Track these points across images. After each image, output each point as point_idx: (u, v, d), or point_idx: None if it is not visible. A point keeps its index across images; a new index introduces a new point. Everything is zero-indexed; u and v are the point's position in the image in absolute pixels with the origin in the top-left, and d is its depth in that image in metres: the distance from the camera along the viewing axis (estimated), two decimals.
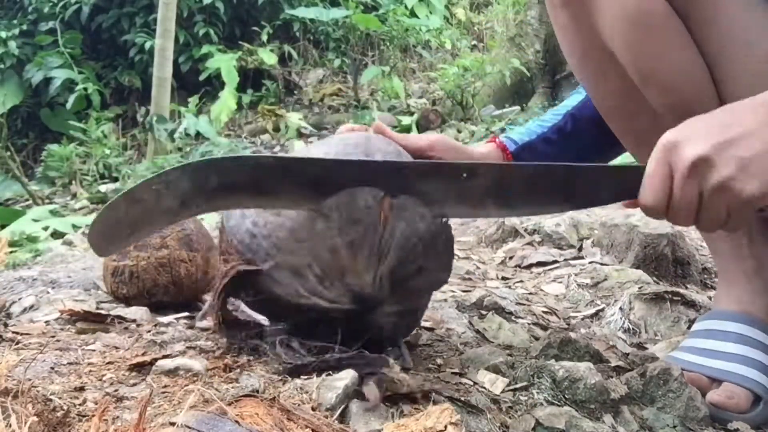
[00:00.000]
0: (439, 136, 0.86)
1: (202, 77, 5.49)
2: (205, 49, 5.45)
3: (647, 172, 0.65)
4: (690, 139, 0.62)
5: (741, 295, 0.85)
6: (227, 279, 0.70)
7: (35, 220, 3.10)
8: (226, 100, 5.21)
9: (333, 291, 0.69)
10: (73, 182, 4.50)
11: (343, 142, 0.75)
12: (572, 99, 0.99)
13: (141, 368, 0.67)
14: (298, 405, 0.58)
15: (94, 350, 0.74)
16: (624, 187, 0.67)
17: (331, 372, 0.64)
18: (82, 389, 0.61)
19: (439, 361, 0.77)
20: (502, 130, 4.25)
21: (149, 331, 0.83)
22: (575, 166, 0.69)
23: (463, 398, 0.65)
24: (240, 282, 0.70)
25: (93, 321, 0.86)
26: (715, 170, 0.60)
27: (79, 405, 0.57)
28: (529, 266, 1.38)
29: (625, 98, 0.81)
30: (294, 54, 5.90)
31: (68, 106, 5.36)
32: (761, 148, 0.60)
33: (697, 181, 0.62)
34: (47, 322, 0.87)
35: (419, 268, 0.71)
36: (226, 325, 0.72)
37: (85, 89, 5.36)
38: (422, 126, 4.88)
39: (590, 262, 1.35)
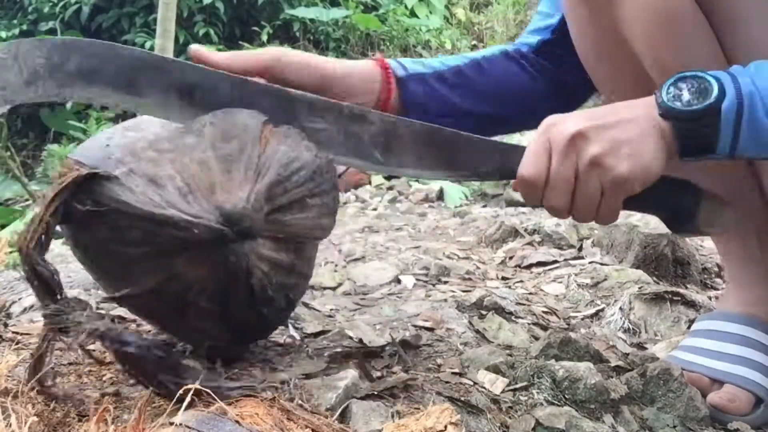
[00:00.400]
0: (280, 50, 0.74)
1: None
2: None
3: (528, 148, 0.67)
4: (570, 118, 0.66)
5: (749, 299, 0.85)
6: (63, 186, 0.56)
7: None
8: None
9: (196, 206, 0.58)
10: None
11: None
12: (488, 50, 0.94)
13: None
14: (298, 405, 0.58)
15: (93, 350, 0.74)
16: (508, 165, 0.68)
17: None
18: (82, 389, 0.61)
19: (439, 361, 0.77)
20: None
21: (149, 331, 0.82)
22: (464, 134, 0.69)
23: (463, 398, 0.65)
24: (78, 190, 0.57)
25: None
26: (590, 145, 0.64)
27: (79, 405, 0.57)
28: (529, 266, 1.38)
29: (639, 95, 0.81)
30: None
31: (68, 106, 5.35)
32: (634, 133, 0.64)
33: (574, 157, 0.65)
34: None
35: (301, 200, 0.63)
36: (35, 274, 0.55)
37: None
38: None
39: (590, 262, 1.35)
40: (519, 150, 0.68)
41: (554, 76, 0.90)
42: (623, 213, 0.77)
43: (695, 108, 0.63)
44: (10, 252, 1.92)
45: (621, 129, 0.65)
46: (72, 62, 0.59)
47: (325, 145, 0.66)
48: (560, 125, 0.66)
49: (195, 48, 0.70)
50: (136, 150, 0.59)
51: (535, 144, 0.67)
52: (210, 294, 0.61)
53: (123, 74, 0.61)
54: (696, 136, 0.64)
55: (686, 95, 0.64)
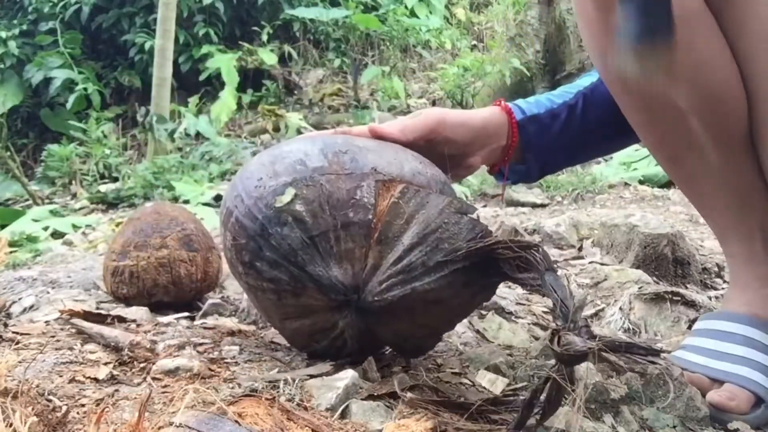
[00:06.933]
0: (437, 116, 0.82)
1: (202, 77, 5.49)
2: (205, 49, 5.46)
3: None
4: None
5: (751, 299, 0.85)
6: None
7: (35, 220, 3.10)
8: (226, 100, 5.21)
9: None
10: (73, 182, 4.50)
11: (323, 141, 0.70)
12: (584, 80, 0.98)
13: (141, 368, 0.67)
14: (298, 405, 0.58)
15: (94, 350, 0.74)
16: None
17: None
18: (82, 389, 0.61)
19: (439, 361, 0.77)
20: None
21: (149, 331, 0.82)
22: None
23: (463, 398, 0.65)
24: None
25: (93, 321, 0.86)
26: None
27: (79, 405, 0.57)
28: None
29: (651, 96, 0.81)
30: (294, 54, 5.90)
31: (68, 106, 5.36)
32: None
33: None
34: (47, 322, 0.87)
35: None
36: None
37: (85, 89, 5.37)
38: None
39: (590, 262, 1.35)
40: None
41: None
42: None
43: None
44: (11, 252, 1.92)
45: None
46: None
47: None
48: None
49: (372, 127, 0.79)
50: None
51: None
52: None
53: None
54: None
55: None
